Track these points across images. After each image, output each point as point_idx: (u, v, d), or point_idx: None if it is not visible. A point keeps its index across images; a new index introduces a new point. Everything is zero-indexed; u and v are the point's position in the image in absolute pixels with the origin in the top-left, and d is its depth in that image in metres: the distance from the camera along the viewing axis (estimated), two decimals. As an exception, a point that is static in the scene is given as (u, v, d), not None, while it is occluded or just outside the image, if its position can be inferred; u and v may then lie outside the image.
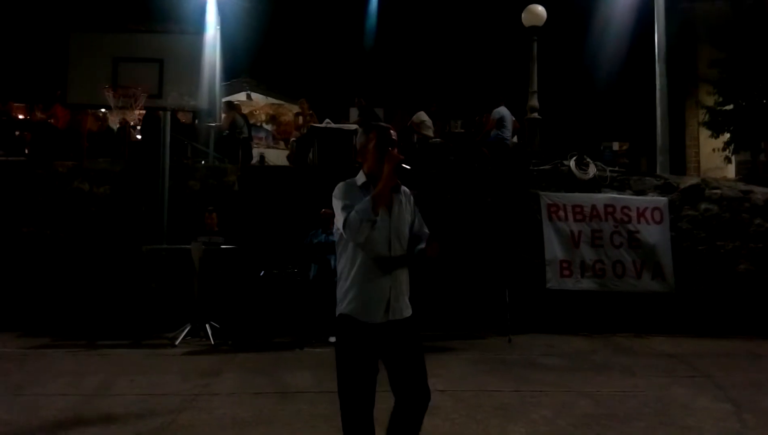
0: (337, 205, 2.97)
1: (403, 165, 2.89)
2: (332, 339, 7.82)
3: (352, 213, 2.83)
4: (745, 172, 14.58)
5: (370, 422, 2.89)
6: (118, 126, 11.19)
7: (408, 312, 3.05)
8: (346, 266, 3.00)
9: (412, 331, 3.04)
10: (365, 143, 3.07)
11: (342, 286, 3.02)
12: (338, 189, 3.02)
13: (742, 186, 10.15)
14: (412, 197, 3.17)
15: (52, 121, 11.51)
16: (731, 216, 9.50)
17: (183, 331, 7.82)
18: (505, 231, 9.14)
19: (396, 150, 2.98)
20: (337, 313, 3.02)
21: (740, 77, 14.50)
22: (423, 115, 11.95)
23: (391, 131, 3.08)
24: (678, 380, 6.20)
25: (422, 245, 3.07)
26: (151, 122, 10.58)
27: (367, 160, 3.06)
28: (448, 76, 17.86)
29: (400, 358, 2.98)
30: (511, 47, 14.68)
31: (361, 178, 3.06)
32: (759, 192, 9.74)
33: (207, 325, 7.90)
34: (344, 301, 2.99)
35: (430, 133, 11.91)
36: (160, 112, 9.29)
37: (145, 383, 5.88)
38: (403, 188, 3.13)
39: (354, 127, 11.18)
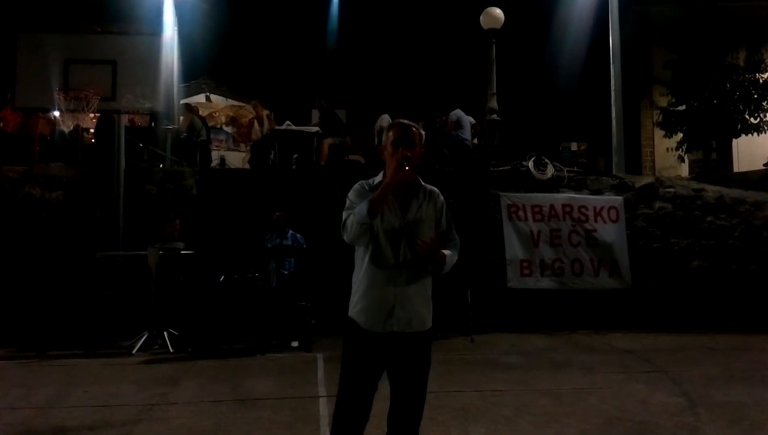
0: (346, 204, 2.83)
1: (406, 164, 2.66)
2: (294, 344, 7.76)
3: (351, 215, 2.71)
4: (697, 171, 15.03)
5: (360, 427, 2.80)
6: (70, 129, 10.86)
7: (421, 326, 2.81)
8: (357, 270, 2.87)
9: (422, 349, 2.83)
10: (386, 141, 2.82)
11: (353, 290, 2.87)
12: (353, 188, 2.86)
13: (694, 184, 10.43)
14: (441, 197, 2.92)
15: (2, 124, 11.13)
16: (684, 214, 9.75)
17: (140, 339, 7.62)
18: (466, 231, 9.18)
19: (407, 150, 2.71)
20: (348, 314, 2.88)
21: (692, 78, 14.93)
22: (388, 118, 11.95)
23: (413, 129, 2.81)
24: (635, 376, 6.33)
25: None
26: (105, 125, 10.31)
27: (386, 159, 2.83)
28: (409, 77, 17.93)
29: (400, 378, 2.81)
30: (470, 50, 14.83)
31: (379, 177, 2.85)
32: (710, 190, 10.02)
33: (165, 333, 7.72)
34: (352, 305, 2.86)
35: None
36: (115, 115, 9.06)
37: (100, 394, 5.70)
38: (430, 188, 2.90)
39: (315, 129, 11.12)
